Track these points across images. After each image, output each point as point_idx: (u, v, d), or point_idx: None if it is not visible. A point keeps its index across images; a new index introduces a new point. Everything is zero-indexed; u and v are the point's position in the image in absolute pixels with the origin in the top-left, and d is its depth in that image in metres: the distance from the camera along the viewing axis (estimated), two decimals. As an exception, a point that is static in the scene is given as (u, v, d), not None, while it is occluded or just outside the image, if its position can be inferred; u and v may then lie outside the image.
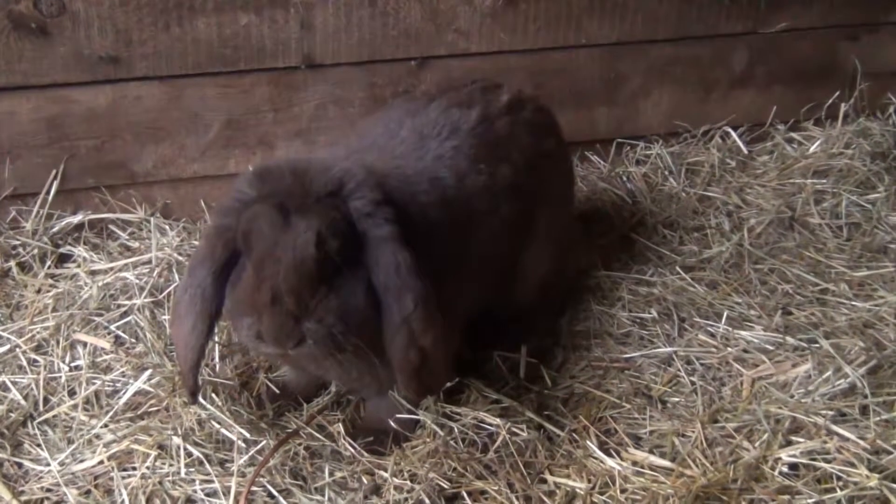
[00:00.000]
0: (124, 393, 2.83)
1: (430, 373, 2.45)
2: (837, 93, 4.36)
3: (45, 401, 2.86)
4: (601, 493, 2.56)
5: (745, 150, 4.25)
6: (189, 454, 2.63)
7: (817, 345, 3.07)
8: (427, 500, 2.48)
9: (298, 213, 2.27)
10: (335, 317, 2.27)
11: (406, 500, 2.50)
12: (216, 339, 2.96)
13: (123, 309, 3.19)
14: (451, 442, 2.64)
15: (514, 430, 2.68)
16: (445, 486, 2.51)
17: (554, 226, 3.08)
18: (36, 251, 3.46)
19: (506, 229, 2.85)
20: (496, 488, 2.54)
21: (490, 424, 2.70)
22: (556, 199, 3.13)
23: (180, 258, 3.41)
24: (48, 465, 2.64)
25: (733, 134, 4.28)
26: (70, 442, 2.72)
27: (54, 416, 2.81)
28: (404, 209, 2.44)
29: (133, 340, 3.07)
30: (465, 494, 2.53)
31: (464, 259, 2.69)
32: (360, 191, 2.35)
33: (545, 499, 2.54)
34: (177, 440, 2.65)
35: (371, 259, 2.33)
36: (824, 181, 4.03)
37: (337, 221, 2.29)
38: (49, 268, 3.43)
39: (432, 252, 2.47)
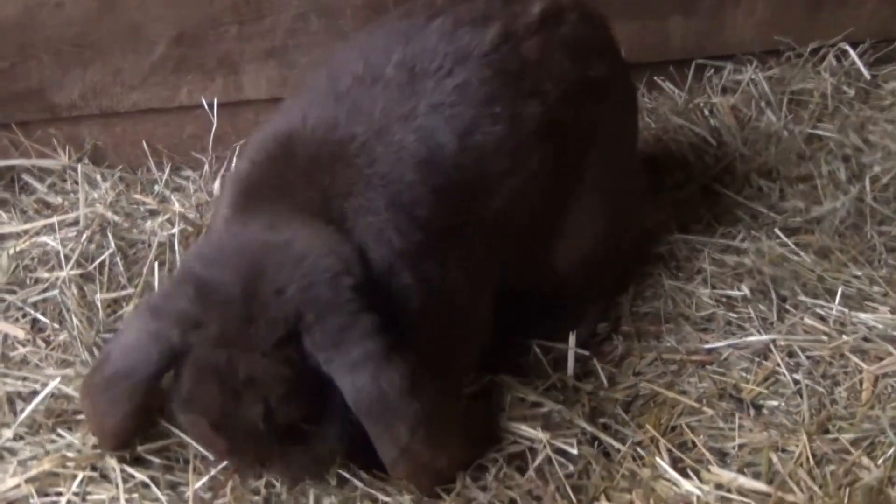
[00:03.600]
0: (44, 396, 2.86)
1: (449, 480, 2.64)
2: None
3: (-59, 405, 2.90)
4: (675, 526, 2.59)
5: (867, 75, 4.25)
6: (129, 476, 2.66)
7: (963, 332, 3.09)
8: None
9: (246, 381, 2.39)
10: (301, 466, 2.57)
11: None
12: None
13: (43, 285, 3.21)
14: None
15: (561, 443, 2.71)
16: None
17: (607, 178, 3.08)
18: (-75, 209, 3.50)
19: (537, 188, 2.87)
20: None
21: (527, 437, 2.72)
22: (611, 143, 3.12)
23: (116, 218, 3.44)
24: (-55, 488, 2.68)
25: (852, 53, 4.28)
26: (-26, 459, 2.76)
27: (-47, 425, 2.86)
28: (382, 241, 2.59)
29: (56, 325, 3.09)
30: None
31: (473, 238, 2.76)
32: (324, 320, 2.41)
33: (601, 532, 2.58)
34: (112, 460, 2.68)
35: (345, 387, 2.42)
36: (974, 115, 4.03)
37: (291, 381, 2.40)
38: (-57, 231, 3.46)
39: (424, 256, 2.63)
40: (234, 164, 3.56)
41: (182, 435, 2.69)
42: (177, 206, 3.54)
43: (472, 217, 2.75)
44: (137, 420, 2.59)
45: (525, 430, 2.73)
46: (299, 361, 2.39)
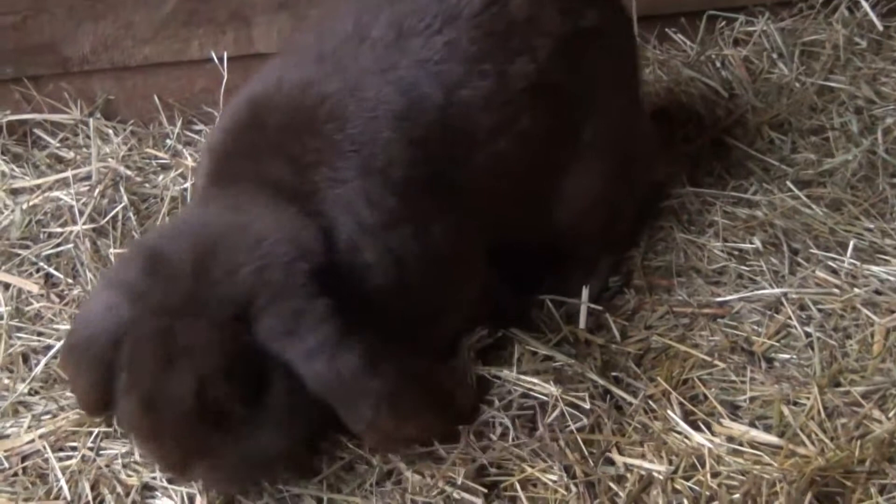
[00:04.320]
0: (58, 350, 2.87)
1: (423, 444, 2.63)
2: None
3: (-45, 359, 2.91)
4: (686, 478, 2.59)
5: (879, 26, 4.22)
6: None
7: (975, 284, 3.09)
8: (458, 494, 2.53)
9: (184, 350, 2.33)
10: (230, 466, 2.44)
11: (430, 489, 2.55)
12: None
13: (56, 240, 3.22)
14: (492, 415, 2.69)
15: (573, 397, 2.71)
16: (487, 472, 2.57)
17: (609, 133, 3.05)
18: (-62, 163, 3.50)
19: (529, 147, 2.84)
20: (551, 475, 2.58)
21: (540, 393, 2.73)
22: (610, 96, 3.08)
23: (128, 172, 3.44)
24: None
25: (864, 4, 4.24)
26: (-12, 413, 2.78)
27: (-33, 380, 2.87)
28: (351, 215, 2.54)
29: (69, 280, 3.11)
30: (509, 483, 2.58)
31: (454, 199, 2.71)
32: (276, 304, 2.37)
33: (613, 486, 2.58)
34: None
35: (305, 374, 2.38)
36: None
37: (232, 359, 2.34)
38: (-44, 185, 3.47)
39: (397, 225, 2.60)
40: (210, 131, 3.56)
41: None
42: (189, 161, 3.54)
43: (455, 175, 2.71)
44: (105, 388, 2.49)
45: (537, 383, 2.73)
46: (244, 343, 2.34)
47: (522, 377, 2.75)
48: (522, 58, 2.81)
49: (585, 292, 3.02)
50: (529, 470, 2.58)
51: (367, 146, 2.58)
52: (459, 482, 2.52)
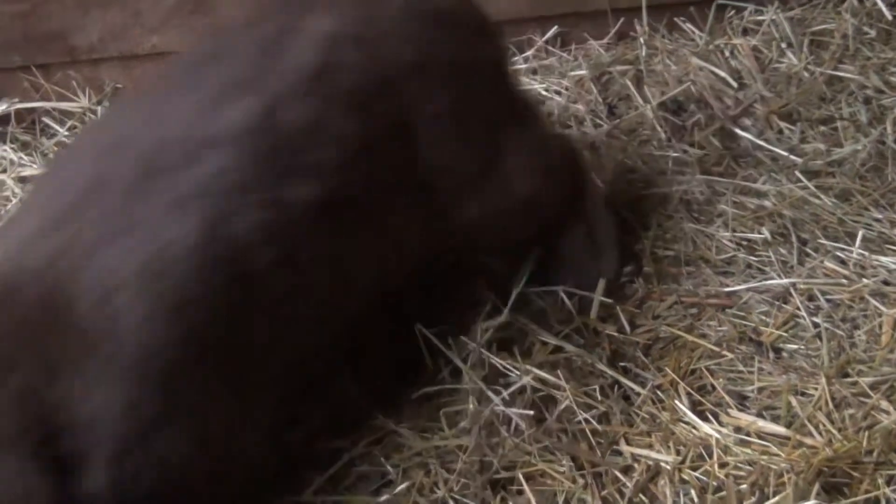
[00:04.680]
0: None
1: None
2: None
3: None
4: (693, 468, 2.60)
5: (888, 15, 4.20)
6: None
7: (984, 275, 3.08)
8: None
9: None
10: None
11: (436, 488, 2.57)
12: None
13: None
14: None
15: (581, 387, 2.73)
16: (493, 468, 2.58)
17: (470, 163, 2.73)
18: (-53, 151, 3.51)
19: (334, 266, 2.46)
20: (558, 467, 2.58)
21: (549, 384, 2.74)
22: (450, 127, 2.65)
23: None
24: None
25: (874, -8, 4.25)
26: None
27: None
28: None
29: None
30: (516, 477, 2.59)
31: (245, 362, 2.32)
32: None
33: (620, 476, 2.58)
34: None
35: None
36: None
37: None
38: (-35, 174, 3.48)
39: (155, 434, 2.13)
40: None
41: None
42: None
43: (236, 336, 2.27)
44: None
45: (546, 376, 2.74)
46: None
47: (531, 368, 2.75)
48: (306, 179, 2.35)
49: (601, 284, 3.02)
50: (536, 462, 2.58)
51: (113, 337, 2.10)
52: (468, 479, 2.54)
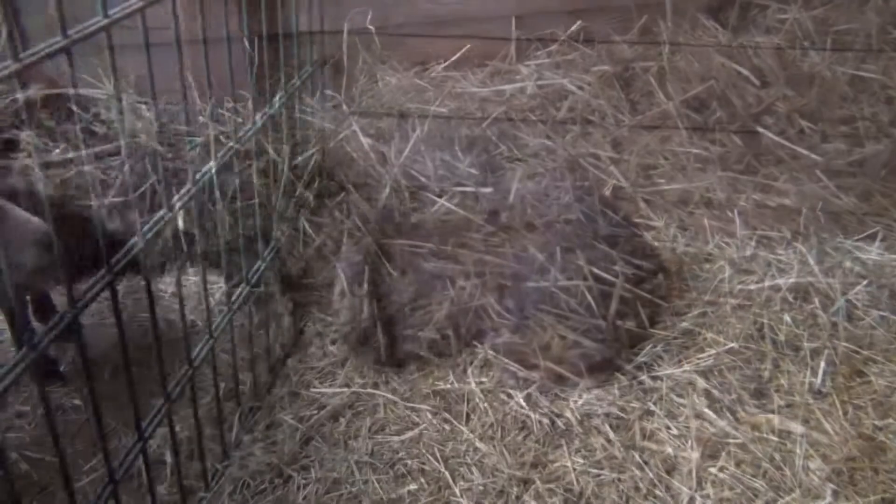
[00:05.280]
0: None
1: None
2: None
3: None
4: (711, 464, 2.61)
5: (913, 15, 4.22)
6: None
7: None
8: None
9: None
10: None
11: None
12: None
13: (87, 213, 3.25)
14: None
15: (600, 383, 2.73)
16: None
17: None
18: (-28, 136, 3.52)
19: None
20: (577, 459, 2.60)
21: (567, 380, 2.75)
22: None
23: (160, 148, 3.45)
24: None
25: (898, -7, 4.25)
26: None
27: None
28: None
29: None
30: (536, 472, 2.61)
31: None
32: None
33: (637, 471, 2.59)
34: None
35: None
36: None
37: None
38: (-10, 158, 3.49)
39: None
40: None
41: None
42: (220, 137, 3.56)
43: None
44: None
45: (562, 371, 2.75)
46: None
47: (549, 365, 2.77)
48: None
49: (621, 277, 3.02)
50: (555, 458, 2.60)
51: None
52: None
